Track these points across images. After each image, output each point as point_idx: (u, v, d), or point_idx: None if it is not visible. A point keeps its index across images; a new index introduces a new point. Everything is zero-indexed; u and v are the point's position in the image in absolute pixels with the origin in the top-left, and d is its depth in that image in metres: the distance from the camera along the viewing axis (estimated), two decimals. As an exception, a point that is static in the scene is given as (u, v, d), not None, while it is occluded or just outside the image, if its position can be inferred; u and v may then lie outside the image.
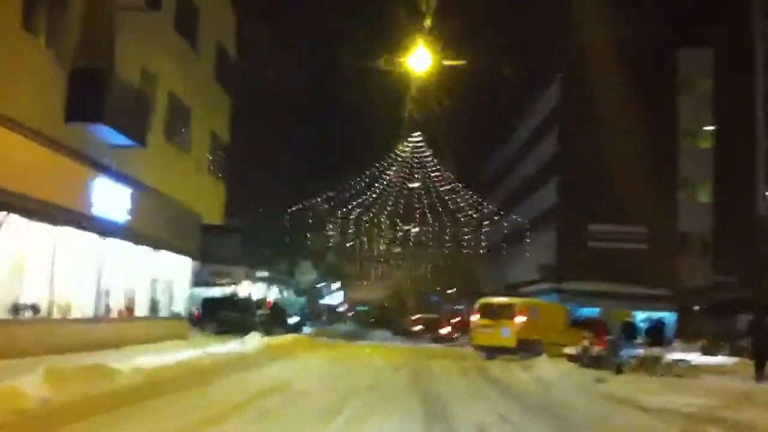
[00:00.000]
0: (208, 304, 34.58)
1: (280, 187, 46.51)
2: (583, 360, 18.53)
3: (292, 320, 34.79)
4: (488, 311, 23.22)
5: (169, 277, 21.59)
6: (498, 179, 58.15)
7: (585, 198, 38.01)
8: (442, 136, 45.20)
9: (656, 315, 36.98)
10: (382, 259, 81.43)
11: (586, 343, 19.04)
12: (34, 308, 13.21)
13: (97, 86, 14.29)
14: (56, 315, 13.92)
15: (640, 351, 18.95)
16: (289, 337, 25.30)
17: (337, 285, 69.73)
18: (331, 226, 52.17)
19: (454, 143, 46.85)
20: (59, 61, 13.73)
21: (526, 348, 22.10)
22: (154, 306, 20.26)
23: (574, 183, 38.92)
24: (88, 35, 14.60)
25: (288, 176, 47.88)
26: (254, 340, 19.71)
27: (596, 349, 19.06)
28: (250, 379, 12.66)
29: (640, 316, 37.21)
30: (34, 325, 13.02)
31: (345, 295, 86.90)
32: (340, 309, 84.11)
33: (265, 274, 45.77)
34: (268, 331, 26.56)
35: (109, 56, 15.16)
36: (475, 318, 23.64)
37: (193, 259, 22.93)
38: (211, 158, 24.24)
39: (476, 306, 23.89)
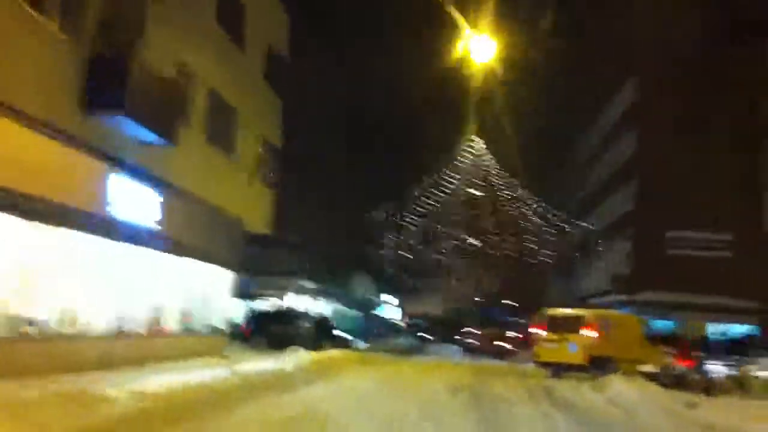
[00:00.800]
0: (258, 317, 33.45)
1: (338, 197, 45.15)
2: (662, 379, 16.33)
3: (344, 334, 33.13)
4: (554, 324, 21.08)
5: (206, 289, 20.19)
6: (569, 185, 55.40)
7: (664, 203, 35.25)
8: (508, 140, 43.13)
9: (735, 329, 34.02)
10: (447, 272, 79.39)
11: (669, 359, 16.82)
12: (41, 323, 11.83)
13: (120, 73, 12.97)
14: (69, 330, 12.55)
15: (725, 369, 16.55)
16: (339, 352, 23.71)
17: (394, 299, 67.85)
18: (390, 237, 50.50)
19: (522, 147, 44.66)
20: (78, 46, 12.43)
21: (597, 366, 19.93)
22: (187, 321, 18.86)
23: (653, 187, 36.17)
24: (113, 19, 13.36)
25: (345, 185, 46.50)
26: (297, 357, 18.21)
27: (679, 367, 16.82)
28: (276, 407, 10.89)
29: (711, 329, 34.22)
30: (41, 341, 11.65)
31: (404, 308, 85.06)
32: (400, 323, 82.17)
33: (316, 286, 44.39)
34: (317, 346, 25.11)
35: (137, 41, 13.90)
36: (539, 332, 21.50)
37: (235, 270, 21.48)
38: (260, 164, 22.83)
39: (541, 318, 21.74)
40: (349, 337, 33.16)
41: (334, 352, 23.16)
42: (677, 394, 14.22)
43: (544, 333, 21.12)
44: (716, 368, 15.06)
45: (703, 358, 17.81)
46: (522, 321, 65.90)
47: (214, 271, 20.62)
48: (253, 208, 22.86)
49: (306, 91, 37.42)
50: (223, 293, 21.31)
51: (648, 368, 17.05)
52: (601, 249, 41.81)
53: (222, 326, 21.38)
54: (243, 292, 35.43)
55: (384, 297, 66.75)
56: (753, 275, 34.22)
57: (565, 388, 17.30)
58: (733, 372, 14.90)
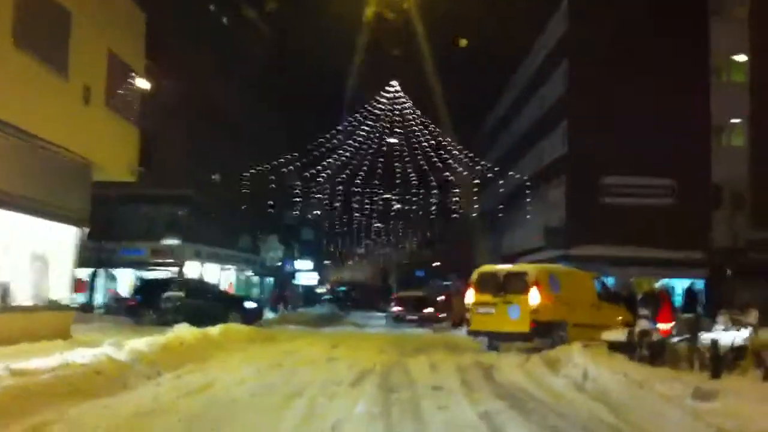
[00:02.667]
0: (147, 288, 28.49)
1: (237, 147, 39.92)
2: (636, 351, 12.39)
3: (248, 305, 28.44)
4: (489, 284, 16.84)
5: (37, 251, 15.16)
6: (494, 132, 51.51)
7: (599, 146, 31.71)
8: (430, 83, 38.77)
9: (675, 282, 31.05)
10: (369, 233, 75.40)
11: (644, 324, 12.89)
12: None
13: None
14: None
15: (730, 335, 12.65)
16: (236, 327, 19.03)
17: (311, 264, 63.26)
18: (299, 194, 45.67)
19: (444, 91, 40.39)
20: None
21: (545, 333, 16.02)
22: (4, 293, 13.85)
23: (586, 128, 32.52)
24: None
25: (244, 134, 41.23)
26: (167, 336, 13.59)
27: (657, 334, 12.92)
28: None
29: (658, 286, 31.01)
30: None
31: (323, 274, 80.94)
32: (319, 290, 78.30)
33: (217, 251, 39.39)
34: (216, 320, 20.58)
35: None
36: (471, 294, 17.22)
37: (79, 226, 16.38)
38: (112, 91, 17.53)
39: (473, 278, 17.46)
40: (253, 306, 28.52)
41: (229, 327, 18.55)
42: (668, 372, 10.24)
43: (477, 295, 16.93)
44: (719, 335, 11.19)
45: (698, 320, 13.88)
46: (446, 283, 62.71)
47: (49, 228, 15.60)
48: (108, 149, 17.70)
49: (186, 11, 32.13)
50: (63, 257, 16.23)
51: (615, 335, 13.09)
52: (530, 200, 38.13)
53: (66, 299, 16.36)
54: (99, 258, 30.28)
55: (301, 263, 62.11)
56: (696, 224, 31.29)
57: (510, 366, 13.17)
58: (741, 339, 11.06)
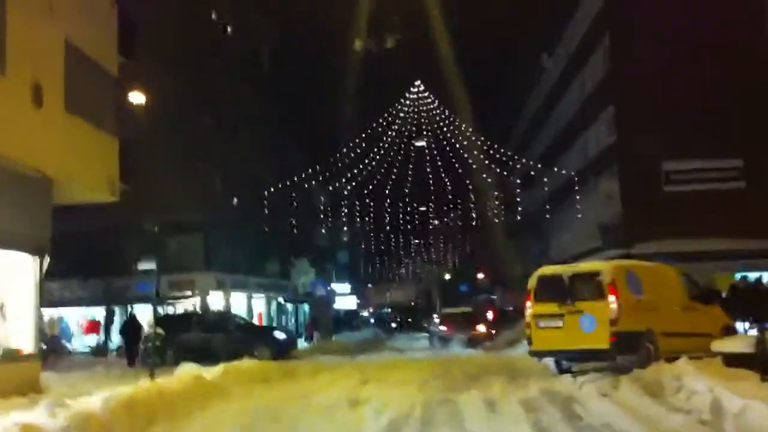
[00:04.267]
0: (165, 324, 25.66)
1: (250, 163, 36.98)
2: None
3: (278, 335, 25.37)
4: (552, 290, 13.26)
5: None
6: (530, 130, 47.65)
7: (654, 129, 28.00)
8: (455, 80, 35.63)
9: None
10: (402, 252, 72.17)
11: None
12: None
13: None
14: None
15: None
16: (240, 365, 15.84)
17: (350, 287, 59.99)
18: (327, 212, 42.54)
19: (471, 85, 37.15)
20: None
21: (629, 347, 12.47)
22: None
23: (637, 111, 28.85)
24: None
25: (257, 146, 38.19)
26: (120, 391, 10.40)
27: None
28: None
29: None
30: None
31: (365, 297, 77.79)
32: (364, 314, 75.32)
33: (246, 279, 36.43)
34: (237, 355, 17.72)
35: None
36: (531, 305, 13.74)
37: (37, 255, 13.30)
38: (73, 90, 14.52)
39: (530, 284, 13.97)
40: (283, 338, 25.46)
41: (237, 365, 15.53)
42: None
43: (538, 306, 13.45)
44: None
45: None
46: (492, 297, 58.94)
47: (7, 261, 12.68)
48: (75, 162, 14.68)
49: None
50: (23, 293, 13.21)
51: (734, 345, 9.62)
52: (579, 197, 34.36)
53: (30, 346, 13.34)
54: (109, 295, 27.66)
55: (338, 286, 58.92)
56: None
57: (595, 397, 9.70)
58: None
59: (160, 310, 32.43)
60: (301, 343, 31.72)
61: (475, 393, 10.88)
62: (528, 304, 13.75)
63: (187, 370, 15.33)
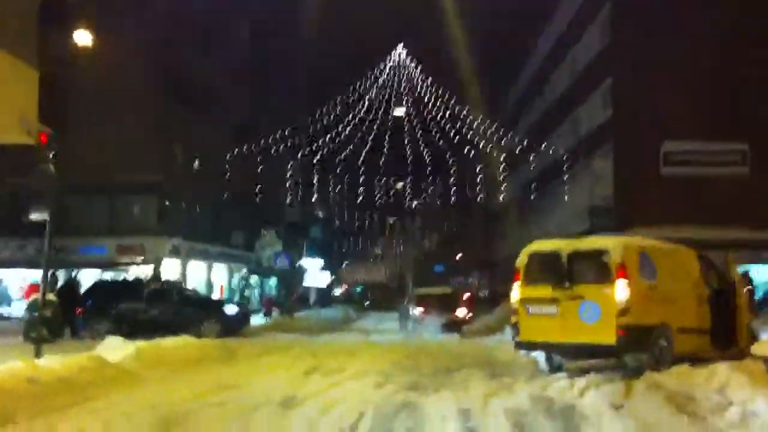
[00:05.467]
0: (97, 293, 23.00)
1: (212, 122, 34.12)
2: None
3: (229, 310, 22.75)
4: (547, 269, 10.83)
5: None
6: (520, 104, 45.05)
7: (652, 107, 25.78)
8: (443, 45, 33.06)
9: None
10: (384, 228, 69.88)
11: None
12: None
13: None
14: None
15: None
16: (163, 344, 13.20)
17: (319, 262, 57.37)
18: (297, 182, 39.86)
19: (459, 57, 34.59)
20: None
21: (640, 344, 10.09)
22: None
23: (636, 84, 26.58)
24: None
25: (220, 105, 35.22)
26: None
27: None
28: None
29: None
30: None
31: (338, 275, 75.53)
32: (336, 292, 73.08)
33: (206, 248, 33.79)
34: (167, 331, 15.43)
35: None
36: (519, 287, 11.29)
37: None
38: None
39: (520, 261, 11.46)
40: (234, 312, 22.85)
41: (160, 344, 12.92)
42: None
43: (527, 288, 11.01)
44: None
45: None
46: (470, 280, 56.71)
47: None
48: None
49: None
50: None
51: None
52: (568, 177, 32.01)
53: None
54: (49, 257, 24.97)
55: (309, 262, 56.33)
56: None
57: (602, 407, 7.30)
58: None
59: (107, 277, 29.97)
60: (260, 320, 29.17)
61: (447, 395, 8.44)
62: (515, 285, 11.25)
63: (110, 345, 12.89)
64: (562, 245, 11.01)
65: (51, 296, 17.88)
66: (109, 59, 25.39)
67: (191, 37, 32.12)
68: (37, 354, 10.12)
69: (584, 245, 11.01)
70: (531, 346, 11.17)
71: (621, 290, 9.95)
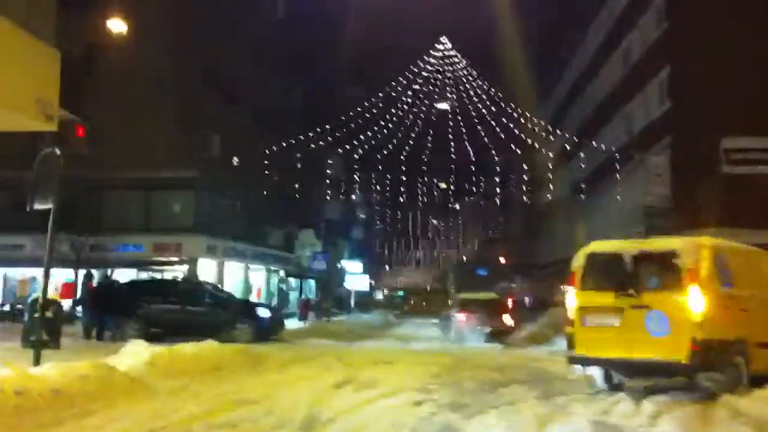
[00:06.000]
0: (130, 292, 22.32)
1: (250, 118, 33.28)
2: None
3: (261, 313, 21.84)
4: (608, 274, 9.57)
5: None
6: (569, 98, 43.23)
7: (713, 99, 24.09)
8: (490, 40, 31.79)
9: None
10: (428, 230, 68.67)
11: None
12: None
13: None
14: None
15: None
16: (180, 350, 12.23)
17: (359, 265, 56.31)
18: (336, 180, 38.91)
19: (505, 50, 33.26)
20: None
21: (715, 363, 8.71)
22: None
23: (695, 75, 24.92)
24: None
25: (258, 101, 34.40)
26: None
27: None
28: None
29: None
30: None
31: (379, 279, 74.58)
32: (378, 296, 72.28)
33: (243, 247, 33.00)
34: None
35: None
36: (575, 293, 10.01)
37: None
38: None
39: (576, 263, 10.12)
40: (267, 315, 21.96)
41: (178, 350, 12.04)
42: None
43: (585, 295, 9.74)
44: None
45: None
46: (512, 285, 54.99)
47: None
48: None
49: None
50: None
51: None
52: (619, 177, 30.40)
53: None
54: (79, 256, 24.45)
55: (349, 264, 55.43)
56: None
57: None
58: None
59: (143, 277, 29.36)
60: (296, 323, 28.26)
61: (493, 420, 7.27)
62: (570, 291, 10.01)
63: (131, 350, 12.02)
64: (626, 246, 9.73)
65: (53, 294, 17.12)
66: (142, 47, 24.76)
67: (227, 28, 31.44)
68: (36, 361, 9.21)
69: (651, 246, 9.71)
70: (588, 361, 9.84)
71: (695, 299, 8.64)
